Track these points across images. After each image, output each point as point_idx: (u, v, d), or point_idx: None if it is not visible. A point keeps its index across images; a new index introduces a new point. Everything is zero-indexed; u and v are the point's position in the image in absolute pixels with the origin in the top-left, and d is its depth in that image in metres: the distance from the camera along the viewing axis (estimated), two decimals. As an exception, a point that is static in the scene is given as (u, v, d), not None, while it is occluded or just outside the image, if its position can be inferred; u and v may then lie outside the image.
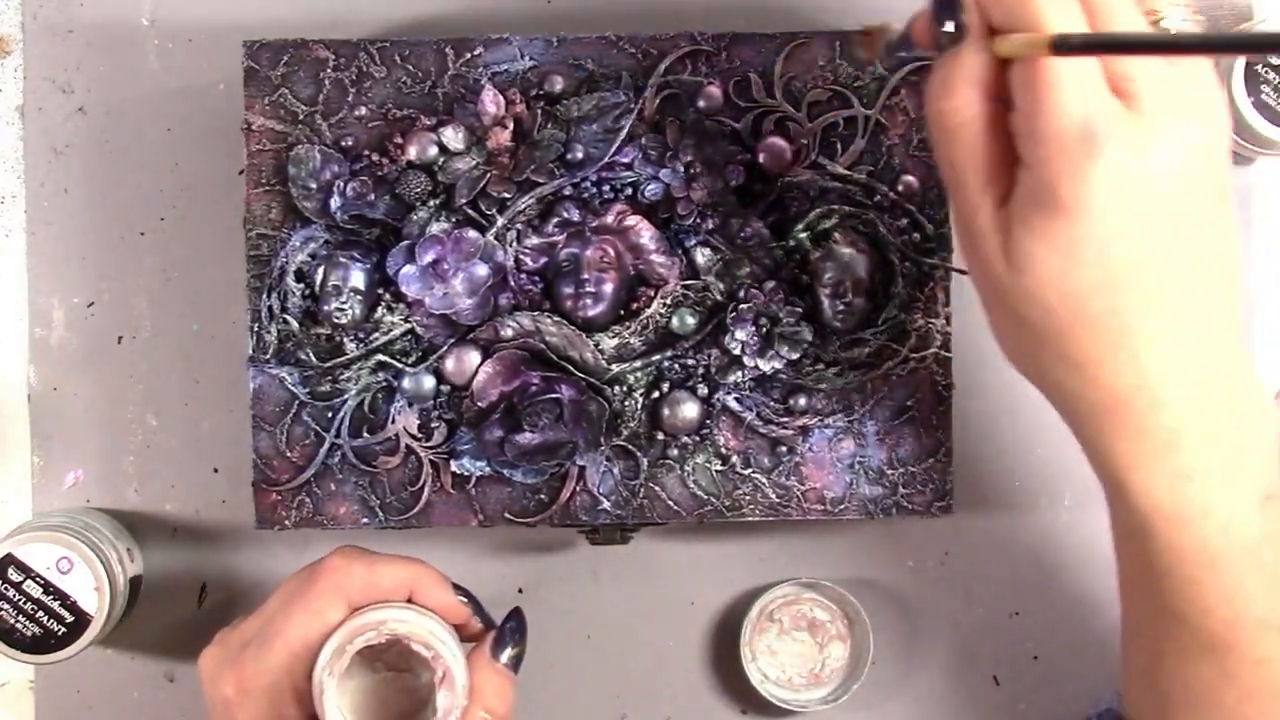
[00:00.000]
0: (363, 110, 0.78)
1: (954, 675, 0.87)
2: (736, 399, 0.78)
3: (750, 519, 0.78)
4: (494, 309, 0.78)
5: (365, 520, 0.78)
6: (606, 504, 0.78)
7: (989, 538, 0.87)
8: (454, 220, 0.77)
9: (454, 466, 0.77)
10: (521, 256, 0.78)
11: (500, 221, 0.77)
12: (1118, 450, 0.62)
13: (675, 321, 0.77)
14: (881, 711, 0.87)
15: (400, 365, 0.77)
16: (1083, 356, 0.61)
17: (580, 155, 0.77)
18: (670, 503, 0.78)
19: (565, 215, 0.77)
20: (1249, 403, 0.62)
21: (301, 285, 0.78)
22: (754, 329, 0.76)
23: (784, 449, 0.78)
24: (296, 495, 0.78)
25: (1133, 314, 0.60)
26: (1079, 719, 0.88)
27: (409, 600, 0.70)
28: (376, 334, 0.78)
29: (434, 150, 0.77)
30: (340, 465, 0.78)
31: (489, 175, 0.77)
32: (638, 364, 0.78)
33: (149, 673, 0.87)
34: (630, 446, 0.78)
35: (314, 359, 0.78)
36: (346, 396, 0.78)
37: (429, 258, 0.76)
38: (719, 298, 0.77)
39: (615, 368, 0.77)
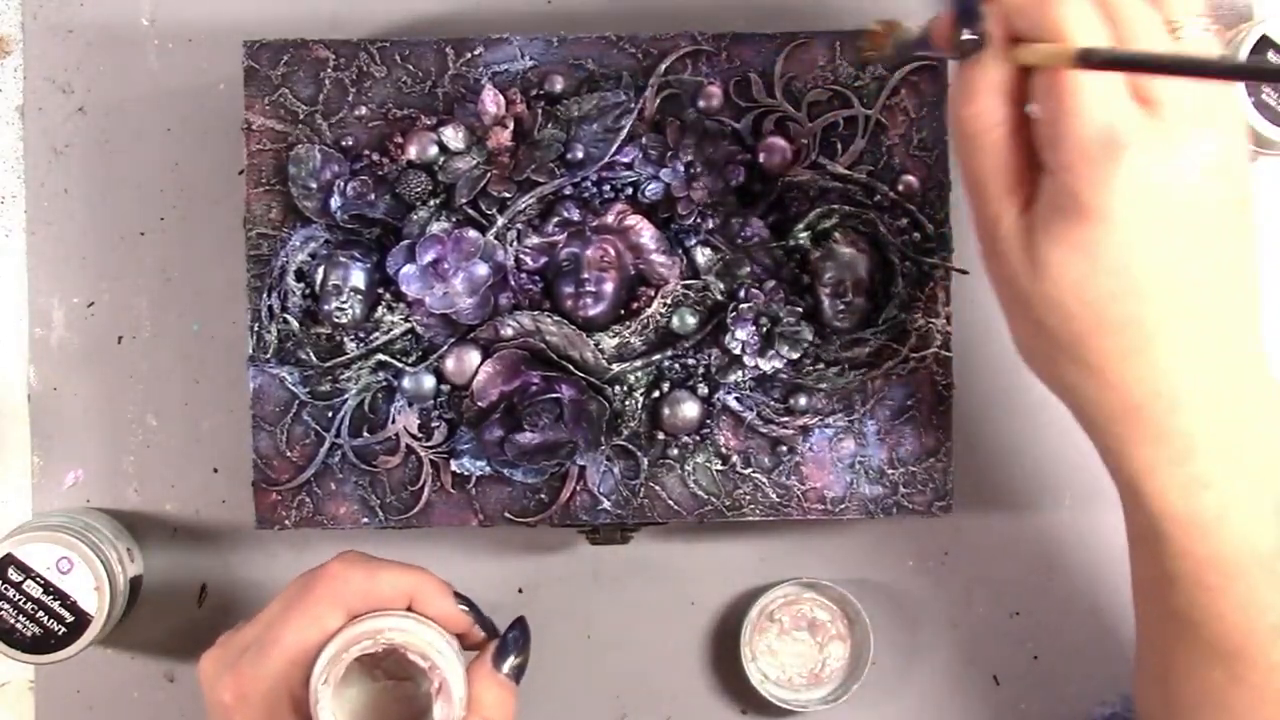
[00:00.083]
0: (363, 110, 0.78)
1: (954, 675, 0.87)
2: (737, 399, 0.78)
3: (750, 519, 0.78)
4: (494, 309, 0.78)
5: (365, 520, 0.78)
6: (606, 504, 0.78)
7: (989, 538, 0.87)
8: (454, 220, 0.77)
9: (454, 466, 0.77)
10: (522, 256, 0.78)
11: (500, 221, 0.77)
12: (1134, 455, 0.62)
13: (675, 321, 0.77)
14: (881, 711, 0.87)
15: (400, 365, 0.77)
16: (1102, 362, 0.61)
17: (580, 155, 0.77)
18: (670, 503, 0.78)
19: (565, 215, 0.77)
20: (1268, 412, 0.62)
21: (301, 285, 0.78)
22: (754, 329, 0.76)
23: (784, 449, 0.78)
24: (296, 495, 0.78)
25: (1152, 321, 0.60)
26: (1080, 719, 0.88)
27: (409, 608, 0.69)
28: (376, 334, 0.78)
29: (434, 150, 0.77)
30: (340, 465, 0.78)
31: (489, 175, 0.77)
32: (638, 364, 0.78)
33: (149, 673, 0.87)
34: (630, 446, 0.78)
35: (314, 359, 0.78)
36: (346, 396, 0.78)
37: (429, 257, 0.76)
38: (719, 297, 0.77)
39: (615, 367, 0.77)
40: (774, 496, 0.78)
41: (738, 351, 0.77)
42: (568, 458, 0.77)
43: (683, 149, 0.77)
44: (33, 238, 0.87)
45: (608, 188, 0.77)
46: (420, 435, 0.78)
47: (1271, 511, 0.62)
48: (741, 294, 0.77)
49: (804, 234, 0.78)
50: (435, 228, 0.77)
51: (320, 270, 0.77)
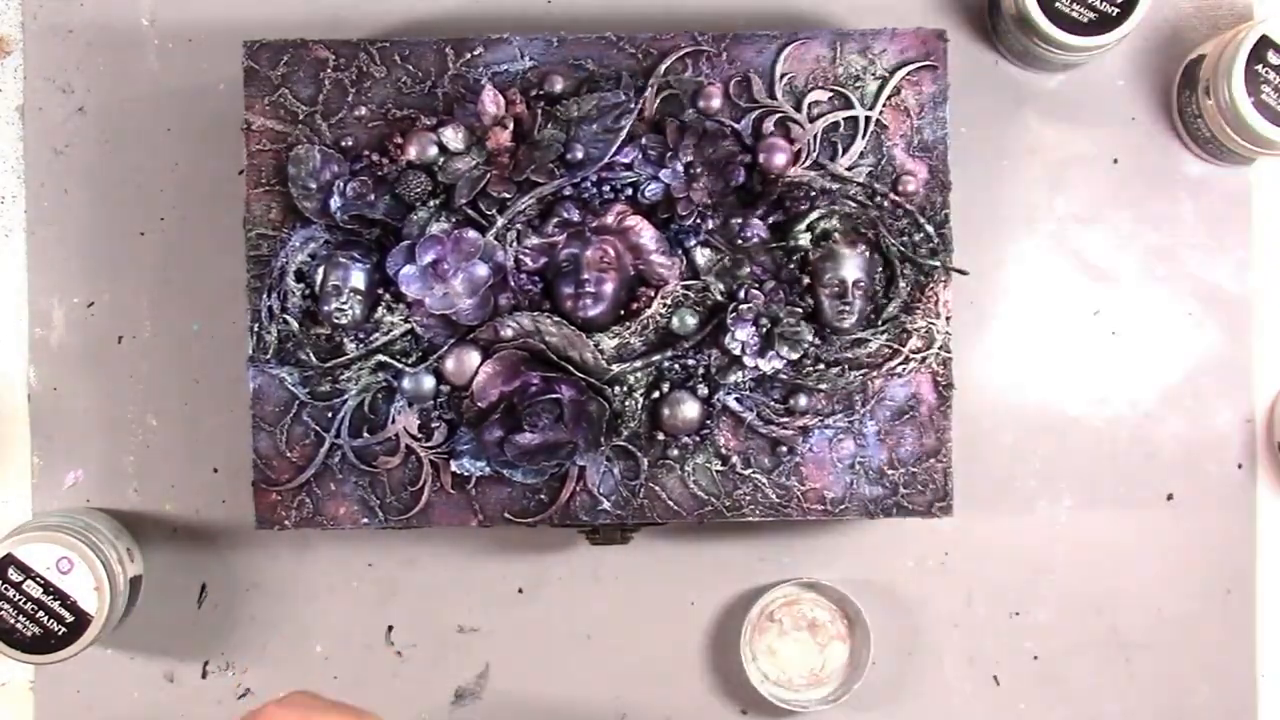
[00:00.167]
0: (363, 110, 0.78)
1: (954, 675, 0.87)
2: (737, 399, 0.78)
3: (750, 519, 0.78)
4: (494, 309, 0.78)
5: (365, 520, 0.78)
6: (606, 504, 0.78)
7: (989, 538, 0.87)
8: (454, 220, 0.77)
9: (454, 466, 0.77)
10: (521, 256, 0.78)
11: (500, 221, 0.77)
12: None
13: (675, 322, 0.77)
14: (881, 711, 0.87)
15: (400, 365, 0.77)
16: None
17: (580, 155, 0.77)
18: (670, 503, 0.78)
19: (565, 215, 0.77)
20: None
21: (301, 285, 0.78)
22: (754, 329, 0.76)
23: (784, 449, 0.78)
24: (296, 495, 0.78)
25: None
26: (1080, 719, 0.88)
27: None
28: (376, 334, 0.78)
29: (434, 150, 0.77)
30: (340, 465, 0.78)
31: (489, 175, 0.77)
32: (638, 364, 0.77)
33: (149, 673, 0.87)
34: (630, 446, 0.77)
35: (314, 359, 0.78)
36: (346, 396, 0.78)
37: (429, 258, 0.76)
38: (719, 298, 0.77)
39: (615, 368, 0.77)
40: (774, 497, 0.78)
41: (738, 352, 0.76)
42: (568, 458, 0.77)
43: (683, 149, 0.77)
44: (33, 238, 0.87)
45: (607, 188, 0.77)
46: (420, 436, 0.78)
47: None
48: (741, 295, 0.77)
49: (804, 234, 0.78)
50: (435, 228, 0.77)
51: (320, 271, 0.77)
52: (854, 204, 0.78)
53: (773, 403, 0.78)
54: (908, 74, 0.78)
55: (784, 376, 0.77)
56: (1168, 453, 0.87)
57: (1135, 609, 0.87)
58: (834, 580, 0.86)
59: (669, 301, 0.78)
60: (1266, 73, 0.81)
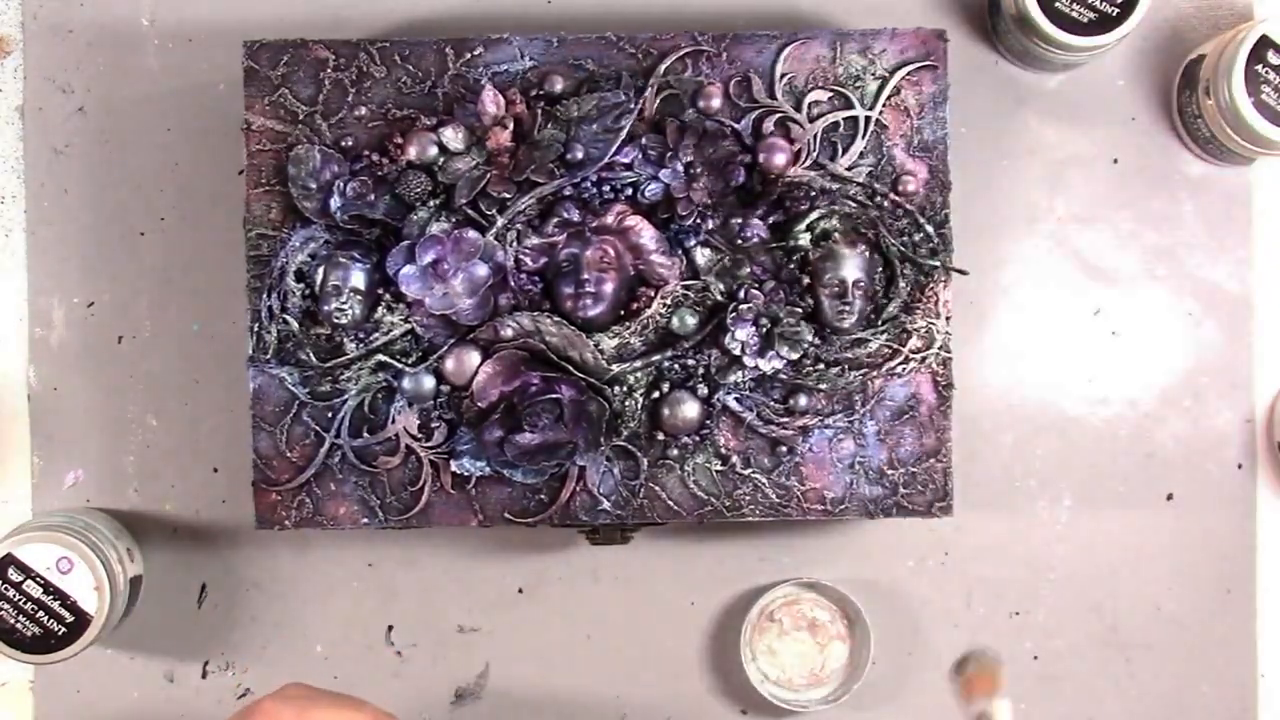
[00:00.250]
0: (363, 110, 0.78)
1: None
2: (736, 399, 0.78)
3: (750, 519, 0.78)
4: (494, 309, 0.78)
5: (365, 520, 0.78)
6: (606, 504, 0.78)
7: (989, 538, 0.87)
8: (454, 220, 0.77)
9: (454, 466, 0.77)
10: (521, 256, 0.78)
11: (500, 221, 0.77)
12: None
13: (675, 322, 0.77)
14: (881, 711, 0.87)
15: (400, 365, 0.77)
16: None
17: (580, 155, 0.77)
18: (670, 503, 0.78)
19: (565, 215, 0.77)
20: None
21: (301, 285, 0.78)
22: (754, 329, 0.76)
23: (784, 449, 0.78)
24: (296, 495, 0.78)
25: None
26: (1079, 719, 0.88)
27: None
28: (376, 334, 0.78)
29: (434, 150, 0.77)
30: (340, 465, 0.78)
31: (489, 175, 0.77)
32: (638, 364, 0.77)
33: (149, 673, 0.87)
34: (630, 446, 0.77)
35: (314, 359, 0.78)
36: (346, 396, 0.78)
37: (429, 258, 0.76)
38: (719, 298, 0.77)
39: (615, 368, 0.77)
40: (774, 497, 0.78)
41: (738, 352, 0.76)
42: (568, 458, 0.77)
43: (682, 149, 0.77)
44: (33, 238, 0.87)
45: (607, 188, 0.77)
46: (420, 436, 0.78)
47: None
48: (741, 295, 0.77)
49: (804, 234, 0.78)
50: (435, 228, 0.77)
51: (320, 271, 0.77)
52: (854, 204, 0.78)
53: (773, 403, 0.78)
54: (908, 74, 0.78)
55: (784, 376, 0.77)
56: (1168, 453, 0.87)
57: (1135, 609, 0.87)
58: (834, 580, 0.86)
59: (669, 301, 0.78)
60: (1266, 73, 0.81)
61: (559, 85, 0.78)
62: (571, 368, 0.77)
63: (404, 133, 0.78)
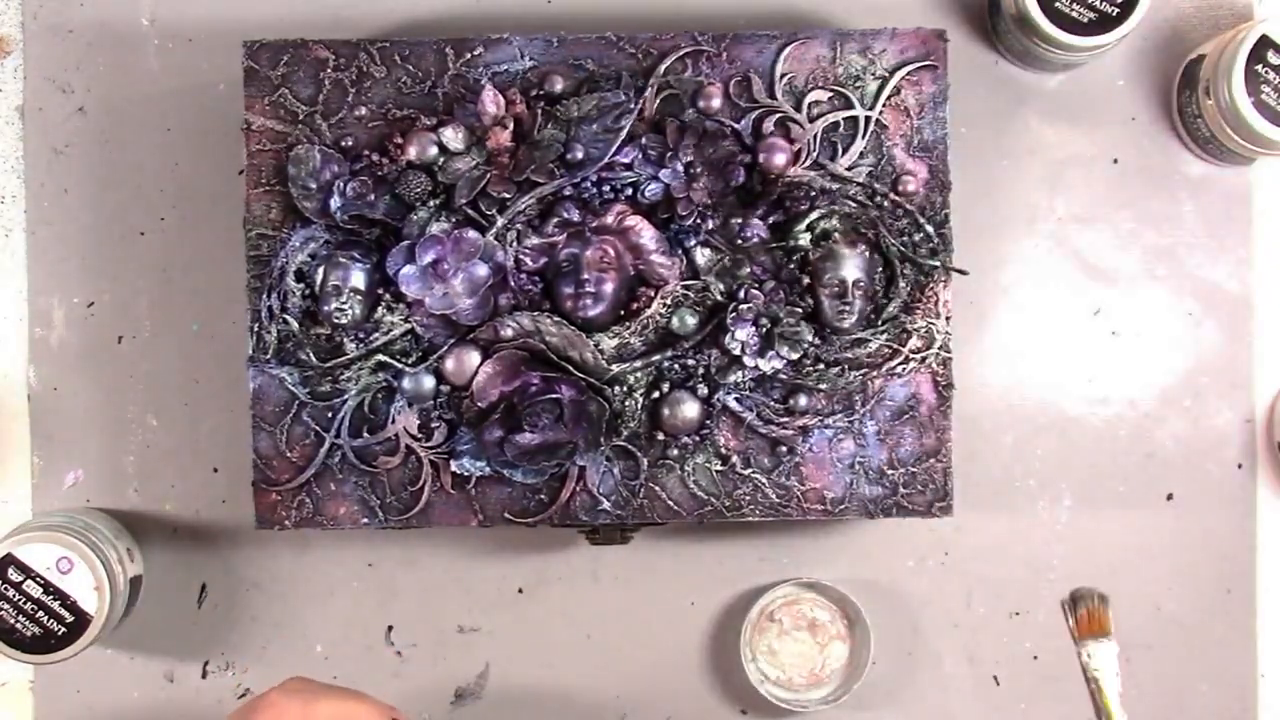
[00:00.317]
0: (363, 110, 0.78)
1: (954, 675, 0.87)
2: (736, 399, 0.78)
3: (750, 519, 0.78)
4: (494, 309, 0.78)
5: (365, 520, 0.78)
6: (606, 504, 0.78)
7: (989, 538, 0.87)
8: (454, 220, 0.77)
9: (454, 466, 0.77)
10: (521, 256, 0.78)
11: (500, 221, 0.77)
12: None
13: (675, 322, 0.77)
14: (881, 711, 0.87)
15: (400, 365, 0.77)
16: None
17: (580, 155, 0.77)
18: (670, 503, 0.78)
19: (565, 215, 0.77)
20: None
21: (301, 285, 0.78)
22: (754, 329, 0.76)
23: (784, 449, 0.78)
24: (296, 495, 0.78)
25: None
26: (1080, 719, 0.87)
27: None
28: (376, 334, 0.78)
29: (434, 150, 0.77)
30: (340, 465, 0.78)
31: (489, 175, 0.77)
32: (638, 364, 0.77)
33: (149, 673, 0.87)
34: (630, 446, 0.77)
35: (314, 359, 0.78)
36: (346, 396, 0.78)
37: (429, 258, 0.76)
38: (719, 298, 0.77)
39: (615, 368, 0.77)
40: (774, 497, 0.78)
41: (737, 352, 0.76)
42: (568, 458, 0.77)
43: (682, 149, 0.77)
44: (33, 238, 0.87)
45: (607, 188, 0.77)
46: (420, 436, 0.78)
47: None
48: (741, 295, 0.77)
49: (804, 234, 0.78)
50: (435, 228, 0.77)
51: (320, 271, 0.77)
52: (854, 204, 0.78)
53: (773, 403, 0.78)
54: (908, 74, 0.78)
55: (784, 376, 0.77)
56: (1168, 453, 0.87)
57: (1135, 609, 0.87)
58: (834, 580, 0.86)
59: (669, 301, 0.78)
60: (1266, 73, 0.81)
61: (559, 85, 0.78)
62: (571, 368, 0.77)
63: (404, 133, 0.78)
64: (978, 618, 0.87)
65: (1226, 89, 0.81)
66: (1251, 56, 0.80)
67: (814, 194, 0.78)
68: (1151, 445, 0.87)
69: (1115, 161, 0.87)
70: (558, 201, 0.77)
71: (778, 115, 0.78)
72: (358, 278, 0.77)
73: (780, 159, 0.77)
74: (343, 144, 0.78)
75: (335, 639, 0.87)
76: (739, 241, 0.77)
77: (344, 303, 0.77)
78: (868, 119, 0.78)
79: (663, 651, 0.88)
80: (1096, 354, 0.87)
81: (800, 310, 0.77)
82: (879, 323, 0.77)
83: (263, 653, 0.87)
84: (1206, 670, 0.87)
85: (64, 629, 0.80)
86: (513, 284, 0.78)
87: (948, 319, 0.78)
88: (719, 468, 0.78)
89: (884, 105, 0.78)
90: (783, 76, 0.78)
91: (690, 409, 0.77)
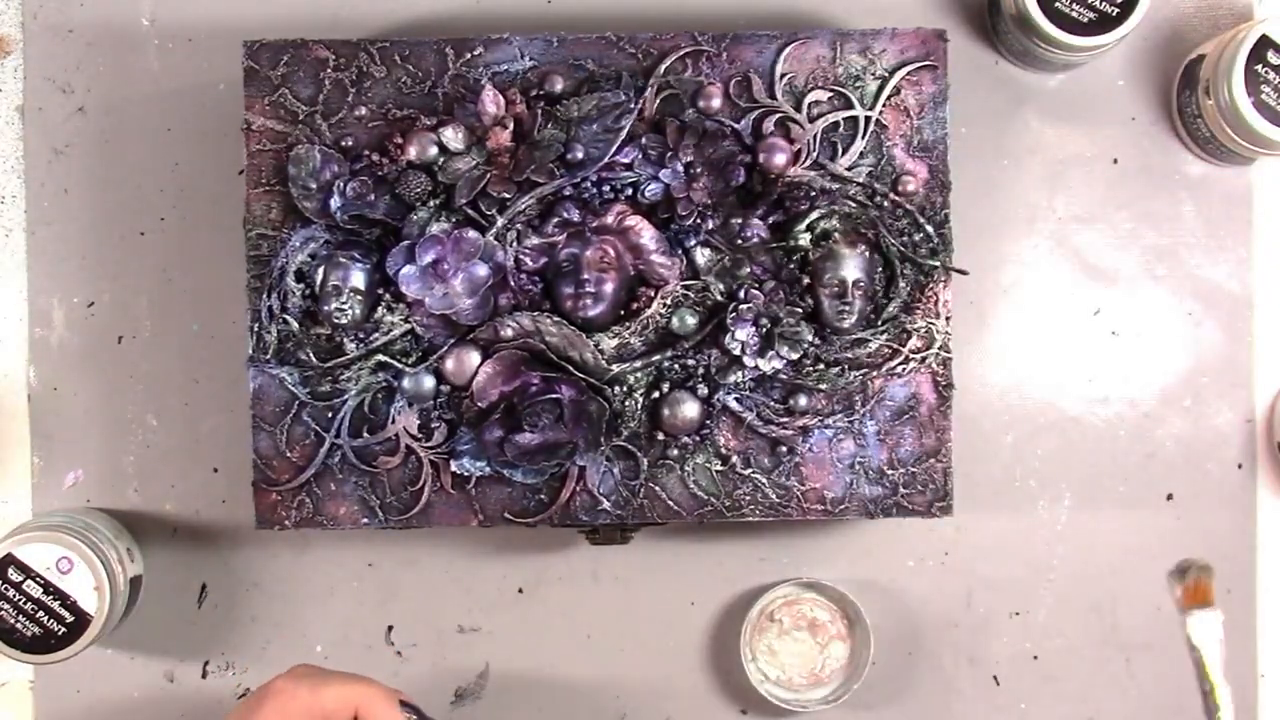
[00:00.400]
0: (363, 110, 0.78)
1: (954, 675, 0.87)
2: (736, 399, 0.78)
3: (750, 519, 0.78)
4: (494, 309, 0.78)
5: (365, 520, 0.78)
6: (606, 504, 0.78)
7: (989, 538, 0.87)
8: (454, 220, 0.77)
9: (454, 466, 0.77)
10: (521, 256, 0.78)
11: (500, 221, 0.77)
12: None
13: (675, 322, 0.77)
14: (881, 711, 0.87)
15: (400, 365, 0.77)
16: None
17: (580, 155, 0.77)
18: (670, 503, 0.78)
19: (565, 215, 0.77)
20: None
21: (301, 285, 0.78)
22: (754, 329, 0.76)
23: (784, 449, 0.78)
24: (296, 495, 0.78)
25: None
26: (1079, 718, 0.88)
27: (356, 719, 0.69)
28: (376, 334, 0.78)
29: (434, 150, 0.77)
30: (340, 465, 0.78)
31: (489, 175, 0.77)
32: (638, 364, 0.77)
33: (149, 673, 0.87)
34: (630, 446, 0.77)
35: (314, 359, 0.78)
36: (346, 396, 0.78)
37: (429, 258, 0.76)
38: (719, 298, 0.77)
39: (615, 368, 0.77)
40: (774, 497, 0.78)
41: (737, 352, 0.76)
42: (568, 458, 0.77)
43: (683, 149, 0.77)
44: (33, 238, 0.87)
45: (607, 188, 0.77)
46: (420, 436, 0.78)
47: None
48: (741, 295, 0.77)
49: (804, 234, 0.78)
50: (435, 228, 0.77)
51: (320, 271, 0.77)
52: (854, 204, 0.78)
53: (773, 403, 0.78)
54: (908, 74, 0.78)
55: (784, 376, 0.77)
56: (1168, 453, 0.87)
57: (1135, 609, 0.87)
58: (834, 580, 0.86)
59: (669, 301, 0.78)
60: (1266, 73, 0.81)
61: (559, 85, 0.78)
62: (571, 368, 0.77)
63: (404, 133, 0.78)
64: (978, 618, 0.87)
65: (1226, 89, 0.81)
66: (1251, 56, 0.80)
67: (814, 194, 0.78)
68: (1151, 445, 0.87)
69: (1115, 161, 0.87)
70: (558, 201, 0.77)
71: (778, 115, 0.78)
72: (358, 278, 0.77)
73: (780, 159, 0.77)
74: (343, 144, 0.78)
75: (335, 639, 0.87)
76: (739, 241, 0.77)
77: (344, 303, 0.77)
78: (868, 119, 0.78)
79: (663, 651, 0.88)
80: (1096, 354, 0.87)
81: (800, 310, 0.77)
82: (879, 323, 0.77)
83: (263, 653, 0.87)
84: (1206, 670, 0.87)
85: (64, 629, 0.80)
86: (513, 284, 0.78)
87: (948, 319, 0.78)
88: (719, 468, 0.78)
89: (884, 105, 0.78)
90: (783, 76, 0.78)
91: (690, 409, 0.77)
